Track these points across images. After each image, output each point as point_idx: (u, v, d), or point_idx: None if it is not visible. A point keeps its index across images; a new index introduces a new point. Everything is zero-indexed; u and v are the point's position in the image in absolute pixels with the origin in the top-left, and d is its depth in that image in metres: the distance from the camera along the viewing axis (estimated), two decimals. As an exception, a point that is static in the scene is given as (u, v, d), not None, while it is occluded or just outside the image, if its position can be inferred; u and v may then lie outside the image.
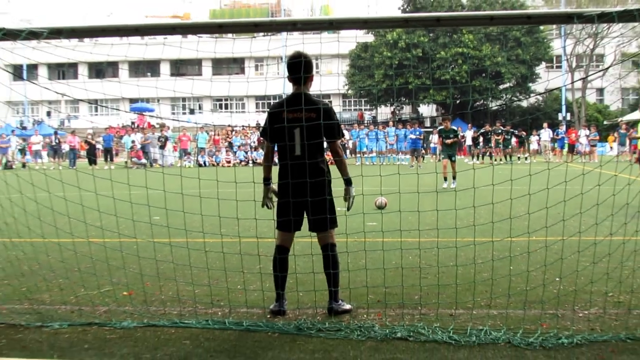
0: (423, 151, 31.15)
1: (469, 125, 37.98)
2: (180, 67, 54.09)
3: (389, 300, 5.15)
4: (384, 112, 56.22)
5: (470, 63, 44.47)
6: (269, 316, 4.99)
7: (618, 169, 5.07)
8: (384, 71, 46.42)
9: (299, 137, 4.87)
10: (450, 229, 5.22)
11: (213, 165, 31.95)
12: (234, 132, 36.32)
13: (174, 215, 5.51)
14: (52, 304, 5.33)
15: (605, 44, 47.74)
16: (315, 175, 4.88)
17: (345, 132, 29.13)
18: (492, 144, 31.54)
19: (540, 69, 50.74)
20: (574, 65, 49.20)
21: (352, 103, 59.24)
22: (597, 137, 33.76)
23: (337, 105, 47.19)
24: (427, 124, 46.77)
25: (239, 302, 5.27)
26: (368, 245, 5.45)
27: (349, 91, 51.27)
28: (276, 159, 5.13)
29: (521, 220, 5.80)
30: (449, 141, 16.09)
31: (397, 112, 54.31)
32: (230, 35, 5.19)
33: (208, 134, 35.49)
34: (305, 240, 5.16)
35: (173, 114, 53.78)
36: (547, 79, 44.63)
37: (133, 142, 33.72)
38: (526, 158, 30.73)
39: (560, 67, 52.33)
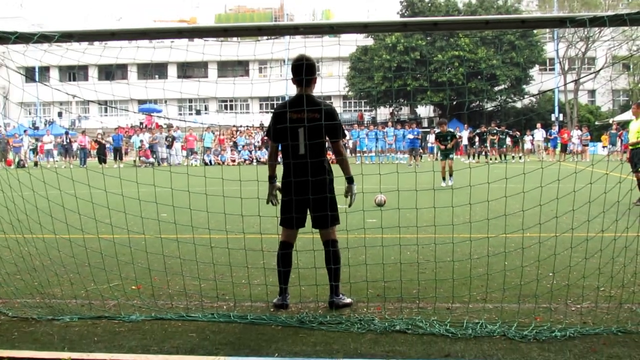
0: (421, 150, 31.37)
1: (465, 125, 38.08)
2: (187, 70, 53.97)
3: (388, 295, 5.23)
4: (383, 112, 56.19)
5: (467, 66, 44.56)
6: (272, 310, 5.06)
7: (609, 167, 5.11)
8: (383, 73, 46.53)
9: (303, 136, 4.93)
10: (447, 225, 5.24)
11: (218, 164, 32.02)
12: (238, 132, 36.51)
13: (181, 212, 5.53)
14: (63, 298, 5.37)
15: (597, 47, 48.04)
16: (318, 174, 4.95)
17: (345, 132, 29.19)
18: (488, 144, 31.92)
19: (534, 71, 50.96)
20: (566, 67, 49.54)
21: (352, 104, 59.32)
22: (589, 137, 34.06)
23: (337, 107, 47.08)
24: (425, 124, 46.81)
25: (244, 296, 5.32)
26: (368, 241, 5.48)
27: (350, 93, 51.59)
28: (280, 158, 5.23)
29: (516, 218, 5.83)
30: (448, 145, 16.39)
31: (396, 112, 54.29)
32: (235, 38, 5.27)
33: (214, 133, 35.70)
34: (307, 236, 5.25)
35: (180, 114, 53.71)
36: (540, 81, 44.71)
37: (141, 141, 33.87)
38: (520, 157, 30.93)
39: (553, 69, 52.70)
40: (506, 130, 32.18)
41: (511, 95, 48.45)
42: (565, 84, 44.85)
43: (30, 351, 4.16)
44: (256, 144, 35.66)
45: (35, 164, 31.04)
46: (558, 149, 33.41)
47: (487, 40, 46.41)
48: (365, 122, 46.16)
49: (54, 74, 45.83)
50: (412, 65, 46.13)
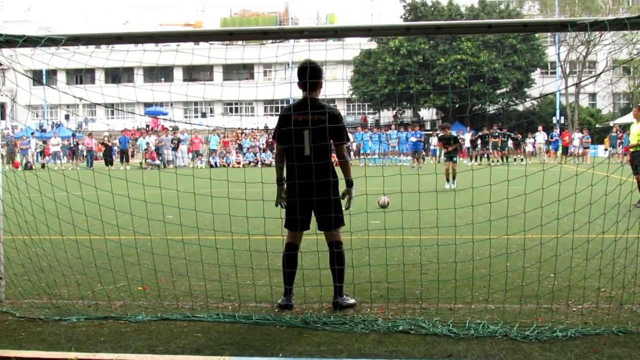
0: (423, 153, 31.51)
1: (468, 128, 38.17)
2: (193, 73, 54.14)
3: (391, 295, 5.23)
4: (386, 115, 56.26)
5: (469, 69, 44.74)
6: (277, 310, 5.08)
7: (610, 170, 5.12)
8: (387, 77, 46.67)
9: (308, 138, 4.97)
10: (450, 227, 5.25)
11: (224, 166, 32.16)
12: (243, 135, 36.66)
13: (187, 213, 5.58)
14: (70, 298, 5.40)
15: (598, 51, 48.20)
16: (322, 176, 4.97)
17: (349, 134, 29.29)
18: (490, 146, 32.03)
19: (536, 74, 51.10)
20: (567, 71, 49.68)
21: (356, 107, 59.50)
22: (590, 140, 34.17)
23: (341, 109, 47.30)
24: (428, 127, 46.94)
25: (249, 296, 5.34)
26: (371, 242, 5.57)
27: (353, 96, 51.85)
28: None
29: (517, 219, 5.88)
30: (450, 148, 16.49)
31: (399, 115, 54.35)
32: (240, 42, 5.29)
33: (219, 136, 35.92)
34: (311, 237, 5.27)
35: (186, 117, 53.85)
36: (542, 84, 44.96)
37: (147, 144, 34.03)
38: (522, 160, 31.01)
39: (554, 73, 52.78)
40: (508, 132, 32.42)
41: (513, 99, 48.52)
42: (566, 87, 45.02)
43: (38, 351, 4.18)
44: (261, 146, 35.81)
45: (43, 166, 31.21)
46: (559, 151, 33.47)
47: (489, 43, 46.59)
48: (369, 125, 46.23)
49: (61, 76, 46.16)
50: (415, 69, 46.30)
